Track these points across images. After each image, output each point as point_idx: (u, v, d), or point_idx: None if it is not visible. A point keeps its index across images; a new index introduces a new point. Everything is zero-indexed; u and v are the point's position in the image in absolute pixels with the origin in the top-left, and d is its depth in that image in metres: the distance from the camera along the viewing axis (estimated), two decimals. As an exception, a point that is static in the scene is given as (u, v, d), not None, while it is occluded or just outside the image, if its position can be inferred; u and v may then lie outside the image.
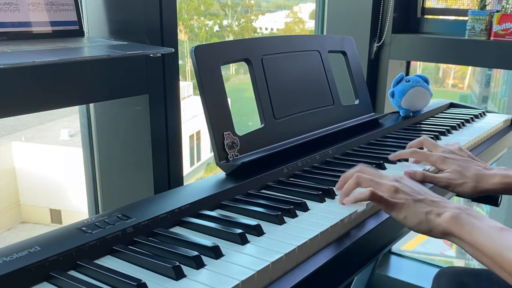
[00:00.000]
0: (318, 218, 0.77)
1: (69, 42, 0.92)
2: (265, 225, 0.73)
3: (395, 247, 2.14)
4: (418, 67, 2.53)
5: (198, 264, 0.62)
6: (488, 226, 0.68)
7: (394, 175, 0.81)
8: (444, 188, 0.93)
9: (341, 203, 0.81)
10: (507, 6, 1.60)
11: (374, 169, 0.84)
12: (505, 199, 1.02)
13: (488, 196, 0.99)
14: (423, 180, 0.94)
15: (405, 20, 1.86)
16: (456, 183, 0.92)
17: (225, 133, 0.94)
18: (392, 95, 1.39)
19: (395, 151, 1.05)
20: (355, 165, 1.01)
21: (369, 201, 0.81)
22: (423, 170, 0.96)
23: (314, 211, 0.80)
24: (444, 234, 0.72)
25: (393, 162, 1.04)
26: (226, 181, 0.89)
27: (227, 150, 0.94)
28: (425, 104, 1.40)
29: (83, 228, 0.67)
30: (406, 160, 1.06)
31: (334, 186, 0.89)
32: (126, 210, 0.74)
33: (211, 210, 0.81)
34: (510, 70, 2.61)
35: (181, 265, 0.60)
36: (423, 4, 1.86)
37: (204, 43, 1.10)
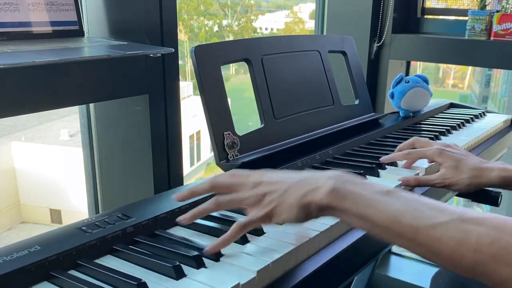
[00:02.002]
0: (318, 218, 0.76)
1: (69, 42, 0.92)
2: (265, 225, 0.73)
3: (395, 247, 2.14)
4: (418, 67, 2.53)
5: (198, 263, 0.62)
6: (371, 192, 0.60)
7: (254, 175, 0.68)
8: (442, 188, 0.92)
9: (206, 251, 0.64)
10: (507, 6, 1.60)
11: (229, 180, 0.69)
12: (505, 199, 1.02)
13: (488, 196, 0.98)
14: (417, 186, 0.93)
15: (405, 20, 1.86)
16: (451, 180, 0.90)
17: (225, 133, 0.95)
18: (392, 96, 1.38)
19: (394, 151, 1.05)
20: (355, 165, 1.02)
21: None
22: (415, 175, 0.95)
23: (314, 211, 0.80)
24: (326, 211, 0.62)
25: (384, 167, 1.00)
26: (226, 181, 0.89)
27: (227, 150, 0.94)
28: (425, 104, 1.40)
29: (84, 228, 0.67)
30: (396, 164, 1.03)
31: None
32: (126, 210, 0.74)
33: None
34: (510, 70, 2.61)
35: (182, 265, 0.60)
36: (423, 4, 1.86)
37: (204, 43, 1.10)
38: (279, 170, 0.71)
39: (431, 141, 1.01)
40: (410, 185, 0.92)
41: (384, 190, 0.60)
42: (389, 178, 0.96)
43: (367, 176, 0.96)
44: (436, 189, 0.94)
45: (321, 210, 0.62)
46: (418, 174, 0.97)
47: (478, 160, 0.93)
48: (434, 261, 0.56)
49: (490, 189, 0.97)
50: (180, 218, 0.69)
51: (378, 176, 0.97)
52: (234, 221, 0.73)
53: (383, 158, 1.01)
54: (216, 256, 0.64)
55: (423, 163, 1.02)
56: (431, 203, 0.57)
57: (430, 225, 0.54)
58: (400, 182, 0.92)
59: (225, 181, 0.69)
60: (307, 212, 0.63)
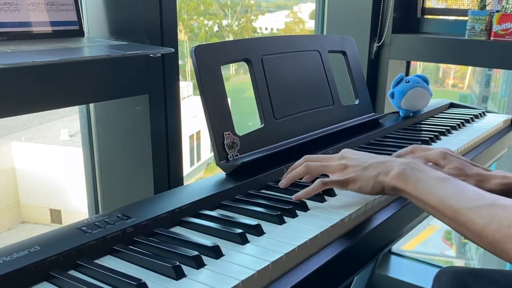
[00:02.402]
0: (318, 218, 0.77)
1: (69, 42, 0.92)
2: (265, 225, 0.73)
3: (395, 247, 2.14)
4: (418, 67, 2.53)
5: (198, 264, 0.62)
6: (430, 178, 0.73)
7: (341, 153, 0.86)
8: None
9: (294, 198, 0.82)
10: (507, 6, 1.60)
11: (319, 155, 0.90)
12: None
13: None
14: None
15: (405, 20, 1.86)
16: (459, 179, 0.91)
17: (225, 133, 0.95)
18: (392, 96, 1.39)
19: (395, 151, 1.05)
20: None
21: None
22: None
23: (314, 211, 0.80)
24: (394, 190, 0.77)
25: None
26: (226, 181, 0.89)
27: (227, 150, 0.94)
28: (425, 104, 1.40)
29: (83, 228, 0.67)
30: None
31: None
32: (126, 210, 0.74)
33: (211, 210, 0.81)
34: (510, 70, 2.62)
35: (181, 265, 0.60)
36: (423, 4, 1.86)
37: (203, 43, 1.10)
38: (360, 150, 0.88)
39: (429, 147, 1.01)
40: None
41: (441, 177, 0.73)
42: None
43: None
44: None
45: (391, 189, 0.77)
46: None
47: (480, 167, 0.94)
48: (470, 238, 0.67)
49: None
50: (280, 184, 0.88)
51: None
52: (234, 221, 0.74)
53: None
54: (216, 256, 0.64)
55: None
56: (474, 190, 0.69)
57: (467, 208, 0.66)
58: None
59: (316, 156, 0.88)
60: (380, 187, 0.78)
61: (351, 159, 0.83)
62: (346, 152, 0.86)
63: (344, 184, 0.81)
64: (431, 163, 0.96)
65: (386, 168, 0.78)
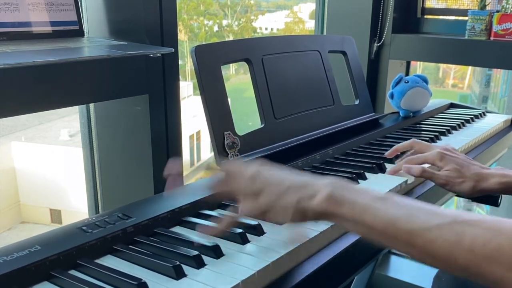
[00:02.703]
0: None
1: (69, 42, 0.92)
2: (265, 225, 0.73)
3: (395, 247, 2.13)
4: (418, 67, 2.53)
5: (198, 263, 0.62)
6: (368, 197, 0.61)
7: (250, 169, 0.68)
8: (443, 186, 0.92)
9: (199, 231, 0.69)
10: (507, 6, 1.60)
11: (226, 167, 0.72)
12: (505, 199, 1.02)
13: (488, 196, 0.98)
14: (421, 176, 0.93)
15: (405, 20, 1.86)
16: (455, 181, 0.90)
17: (225, 133, 0.95)
18: (392, 96, 1.39)
19: (391, 149, 1.05)
20: (355, 165, 1.02)
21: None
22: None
23: (314, 211, 0.80)
24: (322, 217, 0.63)
25: (384, 168, 1.01)
26: (226, 181, 0.89)
27: (227, 150, 0.94)
28: (425, 104, 1.40)
29: (84, 228, 0.67)
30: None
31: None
32: (126, 209, 0.74)
33: (211, 210, 0.81)
34: (510, 70, 2.62)
35: (182, 265, 0.60)
36: (423, 4, 1.86)
37: (203, 43, 1.10)
38: (274, 167, 0.70)
39: (429, 143, 1.01)
40: (413, 174, 0.93)
41: (380, 196, 0.61)
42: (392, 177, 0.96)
43: (367, 175, 0.96)
44: (436, 190, 0.94)
45: (317, 215, 0.63)
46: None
47: (479, 165, 0.94)
48: (430, 263, 0.57)
49: None
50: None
51: (383, 172, 0.97)
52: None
53: (389, 171, 0.99)
54: (217, 255, 0.64)
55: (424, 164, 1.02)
56: (426, 207, 0.58)
57: (424, 228, 0.55)
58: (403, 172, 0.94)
59: (225, 168, 0.71)
60: (302, 216, 0.63)
61: (265, 181, 0.66)
62: (259, 170, 0.68)
63: (258, 216, 0.66)
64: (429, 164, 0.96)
65: (308, 192, 0.63)
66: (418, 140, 1.03)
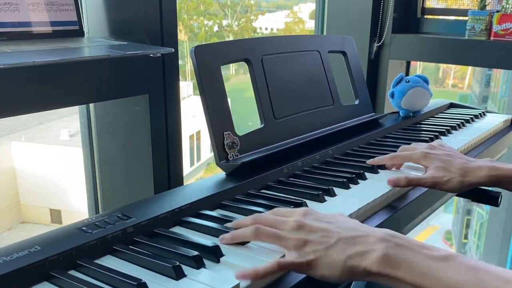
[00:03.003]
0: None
1: (69, 42, 0.92)
2: (265, 225, 0.73)
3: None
4: (418, 67, 2.53)
5: (198, 264, 0.62)
6: (429, 259, 0.55)
7: (299, 214, 0.65)
8: (432, 187, 0.91)
9: (236, 276, 0.59)
10: (507, 6, 1.60)
11: (272, 214, 0.69)
12: (505, 198, 1.02)
13: (488, 196, 0.98)
14: (408, 185, 0.91)
15: (405, 20, 1.86)
16: (443, 180, 0.88)
17: (225, 133, 0.95)
18: (392, 95, 1.39)
19: (394, 151, 1.05)
20: (355, 165, 1.02)
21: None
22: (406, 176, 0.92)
23: (314, 211, 0.80)
24: (373, 277, 0.57)
25: (383, 167, 1.00)
26: (226, 181, 0.89)
27: (227, 150, 0.94)
28: (425, 104, 1.40)
29: (83, 228, 0.67)
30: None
31: (334, 186, 0.89)
32: (126, 210, 0.74)
33: (211, 210, 0.81)
34: (510, 70, 2.61)
35: (182, 265, 0.60)
36: (423, 4, 1.86)
37: (203, 43, 1.10)
38: (320, 213, 0.66)
39: (415, 145, 1.00)
40: (400, 185, 0.90)
41: (442, 255, 0.55)
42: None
43: (367, 175, 0.96)
44: (435, 191, 0.94)
45: (369, 275, 0.57)
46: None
47: (464, 159, 0.92)
48: None
49: (490, 188, 0.97)
50: (221, 239, 0.68)
51: (377, 173, 0.97)
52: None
53: (370, 161, 1.00)
54: (217, 256, 0.64)
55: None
56: (494, 270, 0.52)
57: None
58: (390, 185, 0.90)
59: (268, 218, 0.67)
60: (352, 274, 0.58)
61: (311, 231, 0.62)
62: (306, 214, 0.65)
63: (302, 268, 0.60)
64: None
65: (361, 247, 0.58)
66: (405, 146, 1.02)
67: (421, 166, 0.96)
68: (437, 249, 0.57)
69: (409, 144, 1.06)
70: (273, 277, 0.63)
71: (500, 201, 1.00)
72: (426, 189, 0.95)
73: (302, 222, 0.63)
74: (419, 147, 0.98)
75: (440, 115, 1.54)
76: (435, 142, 1.00)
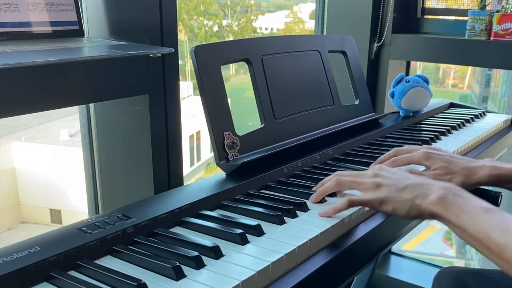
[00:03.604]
0: (319, 218, 0.77)
1: (69, 42, 0.92)
2: (265, 225, 0.73)
3: (395, 247, 2.14)
4: (418, 67, 2.53)
5: (198, 264, 0.62)
6: (474, 207, 0.67)
7: (373, 169, 0.81)
8: None
9: (320, 215, 0.78)
10: (507, 6, 1.60)
11: (352, 171, 0.85)
12: (505, 198, 1.02)
13: (488, 196, 0.98)
14: None
15: (405, 20, 1.85)
16: (444, 178, 0.88)
17: (225, 133, 0.94)
18: (392, 95, 1.39)
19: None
20: (355, 165, 1.02)
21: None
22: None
23: (314, 211, 0.80)
24: (432, 216, 0.72)
25: None
26: (226, 181, 0.89)
27: (227, 150, 0.94)
28: (425, 104, 1.40)
29: (83, 228, 0.67)
30: None
31: None
32: (126, 210, 0.74)
33: (211, 210, 0.81)
34: (510, 70, 2.61)
35: (181, 265, 0.60)
36: (423, 4, 1.86)
37: (203, 43, 1.10)
38: (390, 168, 0.82)
39: (411, 147, 1.00)
40: None
41: (485, 207, 0.66)
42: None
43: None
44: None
45: (428, 214, 0.71)
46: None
47: (467, 159, 0.93)
48: None
49: (490, 188, 0.97)
50: (311, 199, 0.83)
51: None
52: (234, 221, 0.74)
53: (375, 163, 0.99)
54: (216, 256, 0.64)
55: (419, 167, 1.02)
56: None
57: None
58: None
59: (348, 172, 0.83)
60: (416, 211, 0.72)
61: (385, 178, 0.77)
62: (380, 169, 0.80)
63: (375, 203, 0.76)
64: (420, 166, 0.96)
65: (424, 191, 0.72)
66: (399, 148, 1.02)
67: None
68: (485, 202, 0.68)
69: (410, 145, 1.06)
70: (273, 278, 0.63)
71: (500, 201, 1.00)
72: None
73: (377, 172, 0.79)
74: (415, 149, 0.98)
75: (440, 115, 1.54)
76: (432, 146, 1.00)
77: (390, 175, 0.78)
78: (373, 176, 0.79)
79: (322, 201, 0.84)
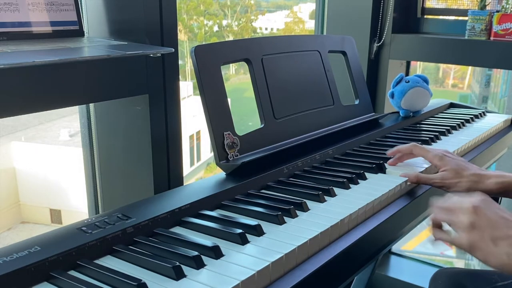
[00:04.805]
0: (318, 218, 0.77)
1: (69, 42, 0.92)
2: (265, 225, 0.73)
3: (395, 247, 2.14)
4: (418, 67, 2.53)
5: (198, 264, 0.62)
6: None
7: (472, 201, 0.70)
8: (439, 188, 0.93)
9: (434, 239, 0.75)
10: (507, 6, 1.60)
11: (449, 201, 0.74)
12: (504, 200, 1.02)
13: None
14: (417, 183, 0.95)
15: (405, 20, 1.85)
16: (451, 182, 0.91)
17: (225, 133, 0.94)
18: (392, 95, 1.39)
19: (389, 151, 1.06)
20: (355, 165, 1.02)
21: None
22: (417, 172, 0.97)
23: (314, 211, 0.80)
24: None
25: (383, 167, 1.01)
26: (226, 181, 0.89)
27: (227, 150, 0.94)
28: (425, 104, 1.40)
29: (83, 228, 0.67)
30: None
31: (334, 186, 0.89)
32: (126, 210, 0.74)
33: (211, 210, 0.81)
34: (510, 70, 2.61)
35: (181, 265, 0.60)
36: (423, 4, 1.86)
37: (203, 43, 1.10)
38: (495, 204, 0.71)
39: (428, 148, 1.01)
40: (409, 181, 0.94)
41: None
42: (393, 174, 0.96)
43: (367, 175, 0.96)
44: (436, 190, 0.94)
45: None
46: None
47: (477, 167, 0.95)
48: None
49: None
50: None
51: (384, 172, 0.98)
52: (234, 221, 0.74)
53: (389, 152, 1.04)
54: (216, 256, 0.64)
55: (424, 163, 1.03)
56: None
57: None
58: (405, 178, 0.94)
59: (445, 205, 0.74)
60: (509, 267, 0.64)
61: (481, 219, 0.67)
62: (479, 207, 0.69)
63: (466, 249, 0.69)
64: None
65: None
66: (418, 144, 1.03)
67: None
68: None
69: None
70: (273, 278, 0.63)
71: (500, 202, 1.00)
72: (427, 188, 0.96)
73: (477, 208, 0.69)
74: (432, 151, 0.99)
75: (440, 115, 1.54)
76: (448, 151, 1.01)
77: (487, 216, 0.68)
78: (471, 212, 0.69)
79: (333, 194, 0.85)
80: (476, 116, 1.51)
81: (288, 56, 1.14)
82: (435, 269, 1.14)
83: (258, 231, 0.71)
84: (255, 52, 1.06)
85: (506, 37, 1.59)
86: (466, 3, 1.79)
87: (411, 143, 1.02)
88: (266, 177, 0.92)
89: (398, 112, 1.42)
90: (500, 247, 0.64)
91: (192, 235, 0.71)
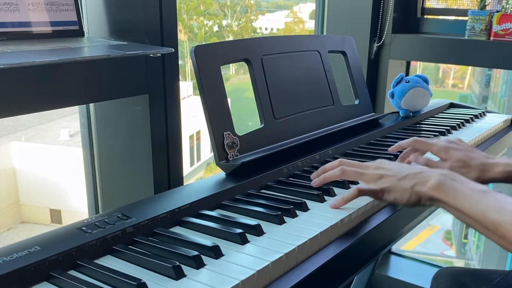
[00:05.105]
0: (318, 218, 0.77)
1: (69, 42, 0.92)
2: (265, 225, 0.73)
3: (395, 247, 2.14)
4: (418, 67, 2.53)
5: (198, 264, 0.62)
6: (470, 190, 0.72)
7: (375, 162, 0.85)
8: None
9: (331, 207, 0.81)
10: (507, 6, 1.60)
11: (354, 161, 0.88)
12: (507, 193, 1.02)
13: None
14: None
15: (405, 20, 1.85)
16: (460, 172, 0.89)
17: (225, 133, 0.95)
18: (392, 95, 1.39)
19: (391, 147, 1.05)
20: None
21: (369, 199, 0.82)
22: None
23: (314, 211, 0.80)
24: (431, 201, 0.76)
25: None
26: (226, 181, 0.89)
27: (227, 150, 0.94)
28: (425, 104, 1.40)
29: (83, 228, 0.67)
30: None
31: (334, 186, 0.89)
32: (126, 210, 0.74)
33: (211, 210, 0.81)
34: (510, 70, 2.61)
35: (181, 265, 0.60)
36: (423, 4, 1.86)
37: (203, 43, 1.10)
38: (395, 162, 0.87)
39: (430, 141, 1.01)
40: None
41: (481, 189, 0.72)
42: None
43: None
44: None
45: (428, 199, 0.76)
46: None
47: (484, 155, 0.94)
48: (511, 250, 0.67)
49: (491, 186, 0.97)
50: (313, 183, 0.88)
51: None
52: (234, 221, 0.74)
53: (391, 148, 1.05)
54: (216, 256, 0.64)
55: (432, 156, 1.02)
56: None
57: (509, 221, 0.65)
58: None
59: (351, 162, 0.86)
60: (416, 198, 0.77)
61: (387, 169, 0.81)
62: (382, 162, 0.85)
63: (378, 194, 0.81)
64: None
65: (423, 179, 0.76)
66: (419, 138, 1.02)
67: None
68: (480, 185, 0.73)
69: None
70: (273, 278, 0.63)
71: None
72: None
73: (379, 165, 0.83)
74: (436, 142, 0.99)
75: (440, 115, 1.54)
76: (455, 138, 1.00)
77: (391, 167, 0.82)
78: (375, 168, 0.83)
79: (332, 194, 0.87)
80: (476, 116, 1.51)
81: (288, 56, 1.14)
82: (435, 269, 1.15)
83: (258, 231, 0.71)
84: (255, 52, 1.06)
85: (506, 37, 1.59)
86: (466, 3, 1.79)
87: (412, 137, 1.01)
88: (266, 177, 0.92)
89: (398, 112, 1.42)
90: (405, 182, 0.78)
91: (192, 235, 0.71)
